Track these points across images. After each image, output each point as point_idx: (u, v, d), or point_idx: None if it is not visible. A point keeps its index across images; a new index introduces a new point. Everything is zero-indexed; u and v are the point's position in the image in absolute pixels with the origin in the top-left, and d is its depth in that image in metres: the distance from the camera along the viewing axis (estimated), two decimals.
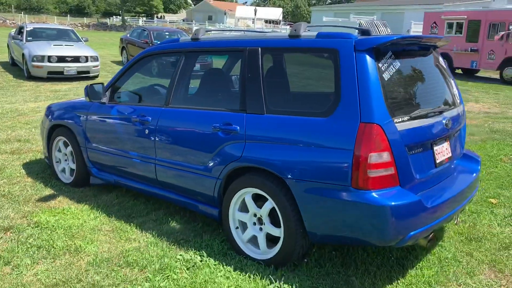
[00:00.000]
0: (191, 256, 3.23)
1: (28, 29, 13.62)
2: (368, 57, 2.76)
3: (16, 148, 6.06)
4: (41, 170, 5.16)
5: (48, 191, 4.53)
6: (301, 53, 3.17)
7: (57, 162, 4.92)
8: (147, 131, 3.80)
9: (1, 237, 3.47)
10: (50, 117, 4.90)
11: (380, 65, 2.80)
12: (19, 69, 13.68)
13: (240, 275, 3.01)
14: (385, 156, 2.68)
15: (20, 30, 13.99)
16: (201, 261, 3.17)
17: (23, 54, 12.39)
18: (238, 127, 3.17)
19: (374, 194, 2.66)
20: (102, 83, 4.30)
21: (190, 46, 3.75)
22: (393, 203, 2.63)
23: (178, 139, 3.58)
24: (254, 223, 3.22)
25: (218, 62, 4.43)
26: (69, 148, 4.68)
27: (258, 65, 3.20)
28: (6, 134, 6.78)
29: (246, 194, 3.20)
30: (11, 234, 3.54)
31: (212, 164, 3.33)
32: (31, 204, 4.19)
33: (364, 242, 2.81)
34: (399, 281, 2.98)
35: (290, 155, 2.90)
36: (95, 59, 12.79)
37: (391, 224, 2.64)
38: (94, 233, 3.61)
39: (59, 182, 4.78)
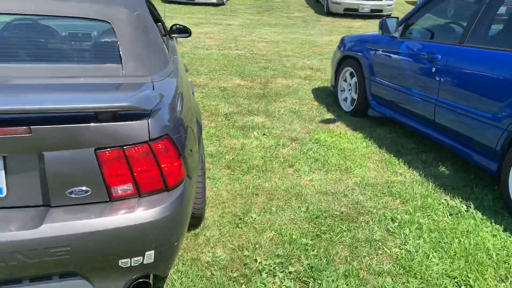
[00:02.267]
0: (456, 204, 3.10)
1: None
2: None
3: (308, 75, 6.83)
4: (326, 96, 5.70)
5: (329, 116, 5.01)
6: None
7: (341, 91, 5.32)
8: (433, 70, 3.67)
9: (289, 145, 4.11)
10: (342, 48, 5.27)
11: None
12: (321, 5, 14.92)
13: (510, 237, 2.73)
14: None
15: None
16: (466, 211, 3.02)
17: None
18: None
19: None
20: (397, 18, 4.31)
21: None
22: None
23: (467, 81, 3.34)
24: None
25: None
26: (354, 79, 4.98)
27: None
28: (302, 62, 7.68)
29: None
30: (296, 144, 4.14)
31: (501, 113, 3.00)
32: (314, 123, 4.74)
33: None
34: None
35: None
36: None
37: None
38: (364, 159, 3.86)
39: (340, 110, 5.20)
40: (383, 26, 4.29)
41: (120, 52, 2.28)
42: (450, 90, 3.50)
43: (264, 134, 4.32)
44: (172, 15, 12.26)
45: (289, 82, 6.36)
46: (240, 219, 2.83)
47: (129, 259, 1.80)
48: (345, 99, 5.25)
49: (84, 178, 1.72)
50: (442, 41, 3.84)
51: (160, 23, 3.97)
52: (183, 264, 2.38)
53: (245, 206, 2.98)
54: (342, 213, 2.97)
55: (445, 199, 3.16)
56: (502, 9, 4.73)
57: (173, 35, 4.03)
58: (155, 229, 1.81)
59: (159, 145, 1.82)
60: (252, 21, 12.00)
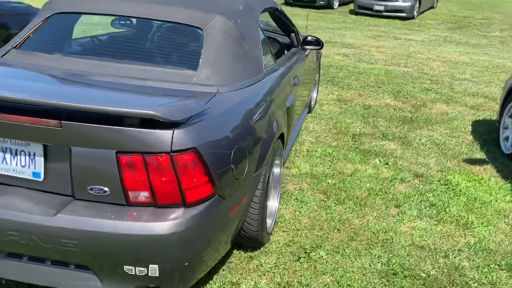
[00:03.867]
0: None
1: None
2: None
3: (478, 104, 5.86)
4: (487, 132, 4.80)
5: (479, 155, 4.20)
6: None
7: (505, 128, 4.40)
8: None
9: (409, 181, 3.56)
10: None
11: None
12: None
13: None
14: None
15: None
16: None
17: None
18: None
19: None
20: None
21: None
22: None
23: None
24: None
25: None
26: None
27: None
28: (477, 88, 6.64)
29: None
30: (418, 181, 3.56)
31: None
32: (455, 161, 4.02)
33: None
34: None
35: None
36: None
37: None
38: (496, 216, 3.10)
39: (497, 150, 4.31)
40: None
41: (200, 59, 2.28)
42: None
43: (386, 163, 3.85)
44: (353, 26, 12.05)
45: (449, 109, 5.56)
46: (306, 253, 2.56)
47: (133, 267, 1.77)
48: (506, 138, 4.32)
49: (104, 178, 1.76)
50: None
51: (293, 34, 3.89)
52: (220, 285, 2.26)
53: (318, 240, 2.69)
54: (429, 276, 2.42)
55: None
56: None
57: (306, 46, 3.91)
58: (160, 243, 1.74)
59: (182, 157, 1.74)
60: (438, 37, 10.92)
